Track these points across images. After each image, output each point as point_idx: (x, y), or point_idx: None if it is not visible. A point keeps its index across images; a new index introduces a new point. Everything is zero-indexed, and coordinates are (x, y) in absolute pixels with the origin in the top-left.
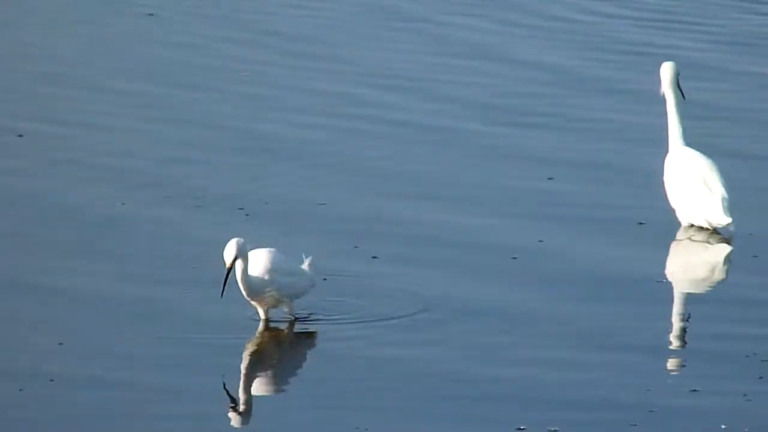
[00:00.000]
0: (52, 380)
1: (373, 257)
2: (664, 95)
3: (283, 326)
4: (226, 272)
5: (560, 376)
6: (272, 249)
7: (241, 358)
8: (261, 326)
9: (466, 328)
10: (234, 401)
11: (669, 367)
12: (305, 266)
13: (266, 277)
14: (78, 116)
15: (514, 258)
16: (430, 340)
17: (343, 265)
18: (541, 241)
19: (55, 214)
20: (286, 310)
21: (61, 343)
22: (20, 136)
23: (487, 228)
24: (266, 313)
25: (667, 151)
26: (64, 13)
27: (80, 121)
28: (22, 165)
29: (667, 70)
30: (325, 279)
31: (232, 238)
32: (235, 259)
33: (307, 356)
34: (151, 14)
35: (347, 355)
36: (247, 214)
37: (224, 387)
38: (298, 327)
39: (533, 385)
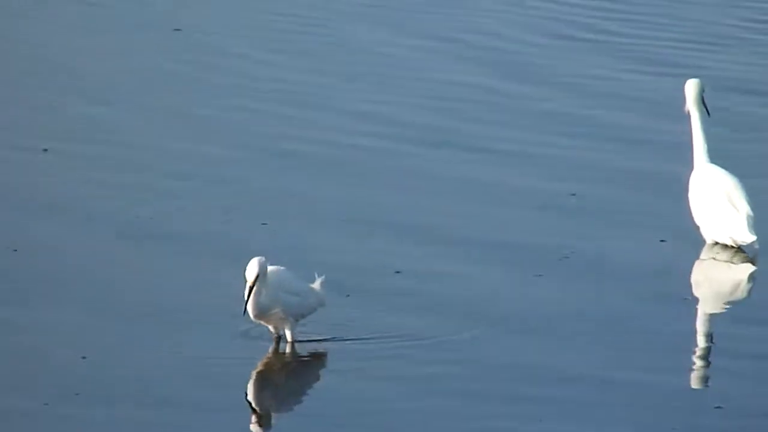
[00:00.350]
0: (77, 394)
1: (397, 272)
2: (688, 112)
3: (297, 346)
4: (248, 290)
5: (579, 394)
6: (281, 267)
7: (254, 378)
8: (273, 345)
9: (486, 345)
10: (249, 421)
11: (693, 385)
12: (316, 285)
13: (273, 296)
14: (96, 133)
15: (539, 276)
16: (448, 359)
17: (364, 280)
18: (566, 257)
19: (77, 226)
20: (288, 332)
21: (84, 357)
22: (45, 150)
23: (510, 245)
24: (277, 330)
25: (692, 168)
26: (89, 25)
27: (98, 138)
28: (45, 178)
29: (691, 87)
30: (348, 295)
31: (254, 257)
32: (257, 277)
33: (319, 376)
34: (178, 29)
35: (360, 375)
36: (266, 224)
37: (246, 400)
38: (311, 347)
39: (554, 404)
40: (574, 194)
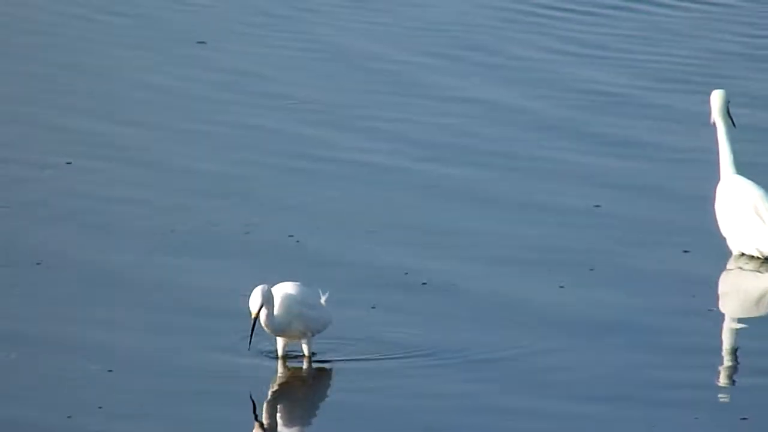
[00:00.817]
0: (100, 408)
1: (423, 283)
2: (714, 123)
3: (302, 367)
4: (252, 322)
5: (603, 409)
6: (298, 282)
7: (273, 396)
8: (280, 365)
9: (511, 361)
10: None
11: (718, 396)
12: (322, 301)
13: (293, 311)
14: (117, 148)
15: (561, 287)
16: (470, 377)
17: (385, 294)
18: (592, 269)
19: (101, 241)
20: (305, 346)
21: (110, 370)
22: (69, 163)
23: (534, 261)
24: (284, 349)
25: (718, 180)
26: (114, 37)
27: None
28: (68, 193)
29: (717, 97)
30: (373, 307)
31: (257, 285)
32: (261, 307)
33: (326, 399)
34: (202, 42)
35: (362, 398)
36: (297, 241)
37: (259, 420)
38: (319, 366)
39: (576, 420)
40: (598, 205)
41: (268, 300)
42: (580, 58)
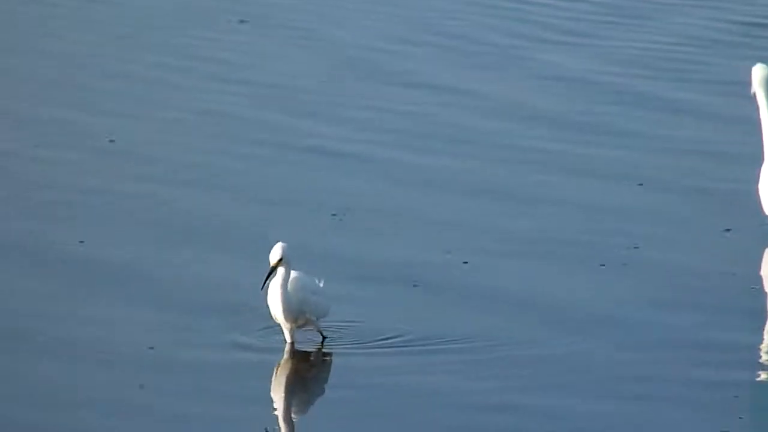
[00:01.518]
0: (142, 386)
1: (464, 262)
2: (755, 95)
3: (312, 351)
4: (269, 270)
5: (632, 403)
6: (300, 271)
7: (271, 384)
8: (287, 348)
9: (516, 356)
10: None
11: (760, 376)
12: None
13: (301, 297)
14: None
15: (602, 266)
16: (468, 370)
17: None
18: (636, 247)
19: (139, 226)
20: (318, 331)
21: (151, 348)
22: (112, 141)
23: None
24: (292, 336)
25: (762, 160)
26: (147, 18)
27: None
28: (104, 175)
29: (757, 71)
30: (415, 285)
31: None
32: (281, 260)
33: (337, 383)
34: (244, 21)
35: (376, 381)
36: (340, 219)
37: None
38: (329, 351)
39: (611, 413)
40: (641, 184)
41: (288, 261)
42: (562, 46)
